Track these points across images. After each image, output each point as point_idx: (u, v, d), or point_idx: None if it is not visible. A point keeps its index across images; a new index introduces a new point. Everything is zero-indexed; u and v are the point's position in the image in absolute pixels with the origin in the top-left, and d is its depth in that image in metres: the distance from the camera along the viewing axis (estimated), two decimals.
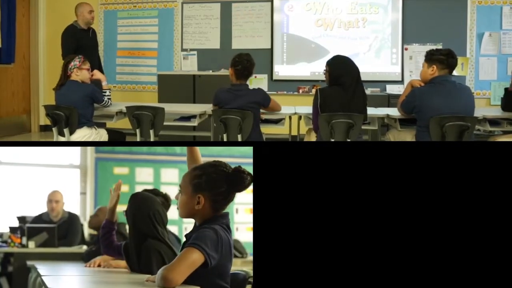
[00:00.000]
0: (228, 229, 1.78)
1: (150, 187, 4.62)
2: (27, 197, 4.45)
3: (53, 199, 4.11)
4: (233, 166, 1.81)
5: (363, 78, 4.04)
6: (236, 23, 7.09)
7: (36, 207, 4.19)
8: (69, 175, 4.94)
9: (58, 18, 7.19)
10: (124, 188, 4.90)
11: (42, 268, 2.59)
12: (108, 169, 4.97)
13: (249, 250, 4.83)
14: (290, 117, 4.81)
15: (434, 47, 4.11)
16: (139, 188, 4.94)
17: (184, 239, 1.81)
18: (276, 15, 6.98)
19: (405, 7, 6.68)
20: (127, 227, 3.61)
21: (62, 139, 4.41)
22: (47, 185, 4.37)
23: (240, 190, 1.81)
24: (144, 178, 4.97)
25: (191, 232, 1.80)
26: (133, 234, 2.21)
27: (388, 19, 6.76)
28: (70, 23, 5.70)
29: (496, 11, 6.50)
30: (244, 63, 4.07)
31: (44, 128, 7.65)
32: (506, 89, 4.62)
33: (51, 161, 4.82)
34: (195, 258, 1.64)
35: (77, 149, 4.61)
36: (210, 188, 1.76)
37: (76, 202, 4.88)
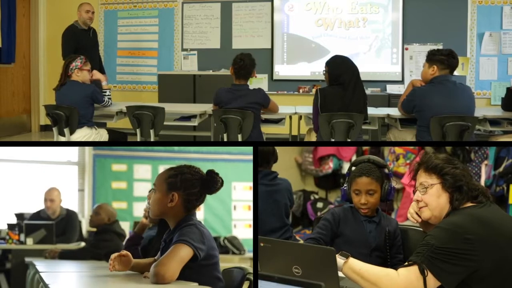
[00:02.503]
0: (201, 223, 1.85)
1: (148, 184, 4.65)
2: (25, 194, 4.46)
3: (48, 198, 4.11)
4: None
5: (363, 78, 4.04)
6: (236, 23, 7.09)
7: (34, 204, 4.19)
8: (67, 172, 4.94)
9: (58, 18, 7.19)
10: (122, 185, 4.94)
11: (40, 265, 2.60)
12: (106, 166, 4.97)
13: (247, 247, 4.83)
14: (290, 117, 4.80)
15: (434, 47, 4.11)
16: (137, 185, 4.99)
17: (163, 244, 1.85)
18: (276, 15, 6.98)
19: (406, 7, 6.68)
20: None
21: (62, 139, 4.41)
22: (45, 182, 4.37)
23: (211, 193, 1.88)
24: (142, 175, 4.98)
25: (168, 235, 1.85)
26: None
27: (388, 19, 6.75)
28: (70, 23, 5.69)
29: (496, 11, 6.49)
30: (239, 62, 4.07)
31: (45, 128, 7.64)
32: (508, 89, 4.62)
33: (49, 158, 4.82)
34: (184, 252, 1.69)
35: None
36: (184, 188, 1.83)
37: (74, 199, 4.88)
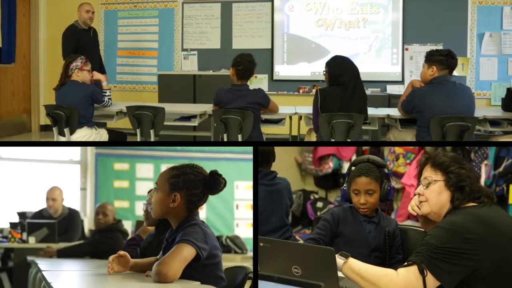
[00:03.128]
0: (204, 223, 1.85)
1: (150, 183, 4.66)
2: (27, 192, 4.47)
3: (50, 197, 4.13)
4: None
5: (363, 78, 4.04)
6: (236, 23, 7.09)
7: (37, 203, 4.20)
8: (70, 171, 4.95)
9: (58, 18, 7.19)
10: (124, 184, 4.95)
11: (42, 263, 2.60)
12: (108, 165, 4.98)
13: (249, 246, 4.83)
14: (290, 117, 4.80)
15: (434, 47, 4.11)
16: (139, 184, 4.99)
17: (166, 243, 1.85)
18: (276, 15, 6.99)
19: (406, 7, 6.68)
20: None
21: (62, 139, 4.42)
22: (48, 180, 4.38)
23: (214, 193, 1.87)
24: (144, 174, 4.99)
25: (171, 234, 1.85)
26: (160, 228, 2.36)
27: (388, 19, 6.76)
28: (70, 23, 5.69)
29: (496, 11, 6.50)
30: (246, 63, 4.07)
31: (45, 128, 7.65)
32: (508, 89, 4.63)
33: (51, 157, 4.83)
34: (187, 252, 1.69)
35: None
36: (187, 188, 1.81)
37: (77, 198, 4.90)
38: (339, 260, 1.60)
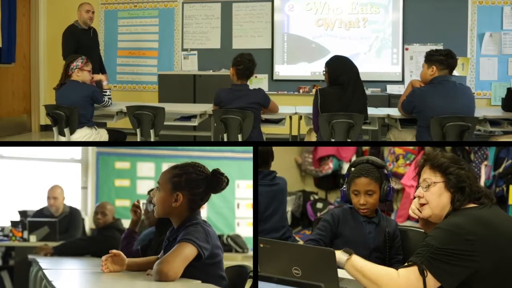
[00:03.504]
0: (206, 222, 1.84)
1: (151, 181, 4.67)
2: (28, 191, 4.48)
3: (51, 195, 4.14)
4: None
5: (363, 78, 4.05)
6: (236, 23, 7.10)
7: (38, 202, 4.21)
8: (71, 169, 4.96)
9: (58, 17, 7.19)
10: (125, 183, 4.95)
11: (43, 262, 2.61)
12: (109, 163, 4.98)
13: (250, 245, 4.83)
14: (290, 117, 4.80)
15: (434, 47, 4.11)
16: (140, 183, 5.00)
17: (167, 242, 1.85)
18: (276, 15, 6.99)
19: (406, 7, 6.69)
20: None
21: (62, 139, 4.42)
22: (49, 179, 4.39)
23: (216, 192, 1.86)
24: (145, 173, 4.99)
25: (172, 233, 1.84)
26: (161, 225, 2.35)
27: (388, 19, 6.76)
28: (70, 23, 5.69)
29: (497, 11, 6.50)
30: (246, 63, 4.07)
31: (45, 128, 7.65)
32: (508, 89, 4.63)
33: (52, 155, 4.84)
34: (189, 251, 1.69)
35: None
36: (189, 188, 1.81)
37: (78, 197, 4.90)
38: (342, 256, 1.60)
